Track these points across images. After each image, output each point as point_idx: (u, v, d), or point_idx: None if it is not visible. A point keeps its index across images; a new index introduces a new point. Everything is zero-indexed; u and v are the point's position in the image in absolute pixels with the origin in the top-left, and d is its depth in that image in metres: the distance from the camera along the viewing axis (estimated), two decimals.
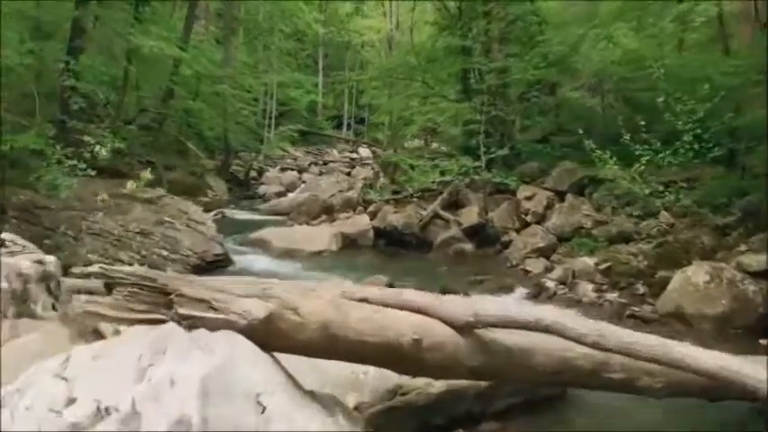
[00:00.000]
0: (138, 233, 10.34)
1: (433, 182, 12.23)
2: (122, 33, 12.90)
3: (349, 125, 33.19)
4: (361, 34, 29.89)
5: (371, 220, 13.22)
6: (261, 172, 23.43)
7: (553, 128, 15.81)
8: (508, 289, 9.12)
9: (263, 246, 12.21)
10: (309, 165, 25.92)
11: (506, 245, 11.72)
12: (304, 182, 22.19)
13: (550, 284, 9.05)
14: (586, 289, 8.76)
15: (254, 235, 12.77)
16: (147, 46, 11.82)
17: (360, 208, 15.13)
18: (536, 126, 15.35)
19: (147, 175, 4.51)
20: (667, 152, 8.42)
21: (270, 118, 25.89)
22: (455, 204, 13.26)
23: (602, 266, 9.66)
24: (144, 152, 17.32)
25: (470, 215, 12.20)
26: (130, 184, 4.20)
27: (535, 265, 9.95)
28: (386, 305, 3.49)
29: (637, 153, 8.66)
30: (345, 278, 9.94)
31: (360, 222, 13.10)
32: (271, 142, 25.04)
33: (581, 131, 10.83)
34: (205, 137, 22.93)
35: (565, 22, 15.07)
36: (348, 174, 23.60)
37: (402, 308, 3.48)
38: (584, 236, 11.23)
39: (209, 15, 26.30)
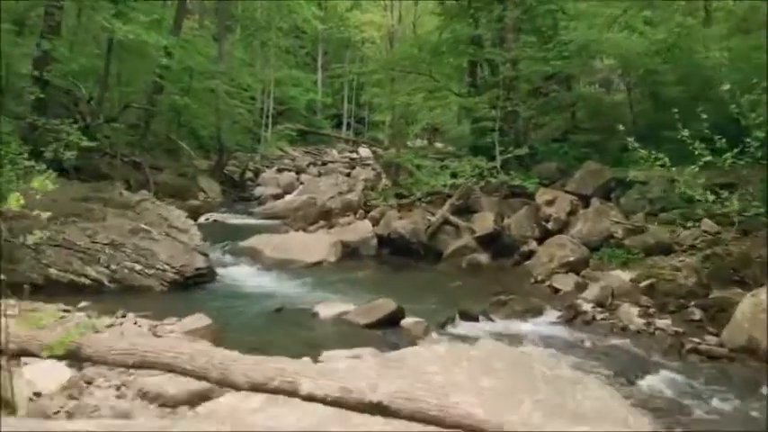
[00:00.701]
0: (107, 244, 8.73)
1: (444, 185, 10.59)
2: (101, 21, 11.20)
3: (349, 124, 31.51)
4: (362, 30, 28.18)
5: (374, 226, 11.63)
6: (257, 173, 21.78)
7: (569, 125, 14.22)
8: (536, 312, 7.52)
9: (254, 256, 10.60)
10: (308, 165, 24.28)
11: (525, 255, 10.14)
12: (302, 183, 20.55)
13: (586, 307, 7.45)
14: (631, 313, 7.17)
15: (245, 243, 11.16)
16: (120, 31, 10.15)
17: (361, 211, 13.54)
18: (551, 123, 13.72)
19: (42, 182, 2.85)
20: (735, 150, 6.80)
21: (267, 117, 24.21)
22: (465, 209, 11.68)
23: (644, 284, 8.07)
24: (130, 152, 15.73)
25: (484, 222, 10.60)
26: (12, 198, 2.59)
27: (565, 282, 8.35)
28: (419, 419, 1.87)
29: (696, 153, 7.03)
30: (345, 296, 8.36)
31: (361, 229, 11.50)
32: (268, 141, 23.36)
33: (616, 128, 9.31)
34: (200, 136, 21.32)
35: (581, 12, 13.48)
36: (348, 175, 21.96)
37: (449, 426, 1.87)
38: (614, 246, 9.66)
39: (205, 11, 24.69)
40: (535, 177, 11.27)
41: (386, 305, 6.70)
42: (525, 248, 10.22)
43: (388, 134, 22.96)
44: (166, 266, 8.70)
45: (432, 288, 8.81)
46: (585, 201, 10.71)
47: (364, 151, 27.29)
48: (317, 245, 10.95)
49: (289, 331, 6.55)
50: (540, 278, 8.79)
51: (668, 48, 11.62)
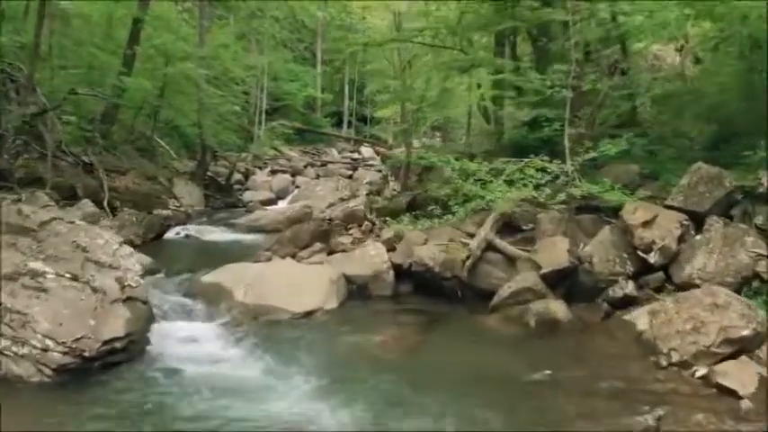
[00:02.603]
0: None
1: (502, 198, 6.61)
2: None
3: (350, 122, 27.51)
4: (363, 17, 24.13)
5: (389, 251, 7.71)
6: (248, 175, 17.83)
7: (629, 115, 10.25)
8: None
9: (218, 299, 6.65)
10: (305, 166, 20.39)
11: (617, 303, 6.31)
12: (297, 187, 16.65)
13: None
14: None
15: (209, 278, 7.18)
16: None
17: (366, 223, 9.74)
18: (614, 111, 9.71)
19: None
20: None
21: (260, 113, 20.23)
22: (509, 227, 7.79)
23: None
24: (82, 151, 11.76)
25: (553, 251, 6.69)
26: None
27: (740, 377, 4.40)
28: None
29: None
30: (351, 406, 4.46)
31: (372, 258, 7.56)
32: (261, 140, 19.36)
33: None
34: (184, 134, 17.36)
35: None
36: (350, 177, 18.12)
37: None
38: (764, 292, 5.77)
39: None
40: (614, 185, 7.32)
41: None
42: (618, 292, 6.36)
43: (394, 131, 19.11)
44: (49, 342, 4.74)
45: (498, 376, 4.89)
46: (697, 220, 6.79)
47: (367, 151, 23.44)
48: (310, 282, 7.02)
49: None
50: (676, 359, 4.85)
51: None
